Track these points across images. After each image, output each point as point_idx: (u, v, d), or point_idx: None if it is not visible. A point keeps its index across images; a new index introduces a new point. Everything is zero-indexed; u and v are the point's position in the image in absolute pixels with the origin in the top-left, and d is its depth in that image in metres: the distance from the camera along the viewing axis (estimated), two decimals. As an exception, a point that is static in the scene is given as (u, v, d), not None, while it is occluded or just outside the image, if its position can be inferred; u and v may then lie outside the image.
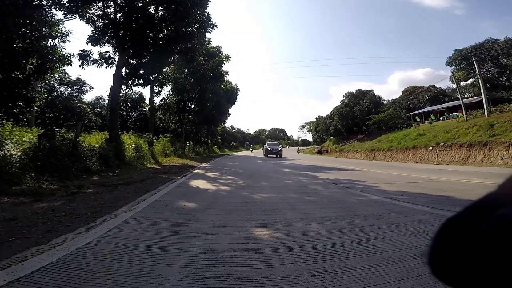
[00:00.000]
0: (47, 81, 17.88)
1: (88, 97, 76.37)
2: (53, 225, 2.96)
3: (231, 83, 33.03)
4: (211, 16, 14.17)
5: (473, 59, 26.70)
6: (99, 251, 2.20)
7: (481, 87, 24.87)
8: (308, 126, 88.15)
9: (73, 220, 3.19)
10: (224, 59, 26.15)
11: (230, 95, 32.44)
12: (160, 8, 13.03)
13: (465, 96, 36.64)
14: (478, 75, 26.00)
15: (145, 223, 3.08)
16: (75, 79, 28.79)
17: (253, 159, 22.52)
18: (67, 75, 27.16)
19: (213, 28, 14.64)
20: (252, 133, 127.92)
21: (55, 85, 26.40)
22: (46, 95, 23.72)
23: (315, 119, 77.73)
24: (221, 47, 26.41)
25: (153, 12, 12.98)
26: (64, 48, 11.24)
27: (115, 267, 1.90)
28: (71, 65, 12.26)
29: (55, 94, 26.44)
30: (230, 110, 36.97)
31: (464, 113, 25.39)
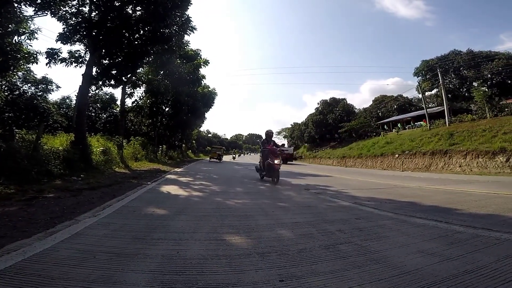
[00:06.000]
0: (8, 78, 16.67)
1: (54, 96, 72.02)
2: (7, 230, 2.76)
3: (209, 87, 32.69)
4: (191, 19, 14.02)
5: (438, 70, 28.25)
6: (58, 257, 2.09)
7: (444, 97, 26.40)
8: (284, 132, 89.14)
9: (31, 225, 2.99)
10: (202, 63, 25.91)
11: (207, 99, 32.07)
12: (138, 8, 12.69)
13: (429, 106, 38.94)
14: (442, 86, 27.66)
15: (110, 229, 2.95)
16: (41, 78, 26.93)
17: (229, 164, 22.27)
18: (32, 73, 25.44)
19: (192, 31, 14.47)
20: (229, 138, 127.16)
21: (18, 83, 24.51)
22: (6, 93, 22.03)
23: (290, 126, 78.99)
24: (200, 50, 26.19)
25: (130, 12, 12.60)
26: (30, 45, 10.59)
27: (75, 273, 1.82)
28: (36, 63, 11.58)
29: (17, 92, 24.50)
30: (207, 114, 36.61)
31: (427, 123, 27.08)
